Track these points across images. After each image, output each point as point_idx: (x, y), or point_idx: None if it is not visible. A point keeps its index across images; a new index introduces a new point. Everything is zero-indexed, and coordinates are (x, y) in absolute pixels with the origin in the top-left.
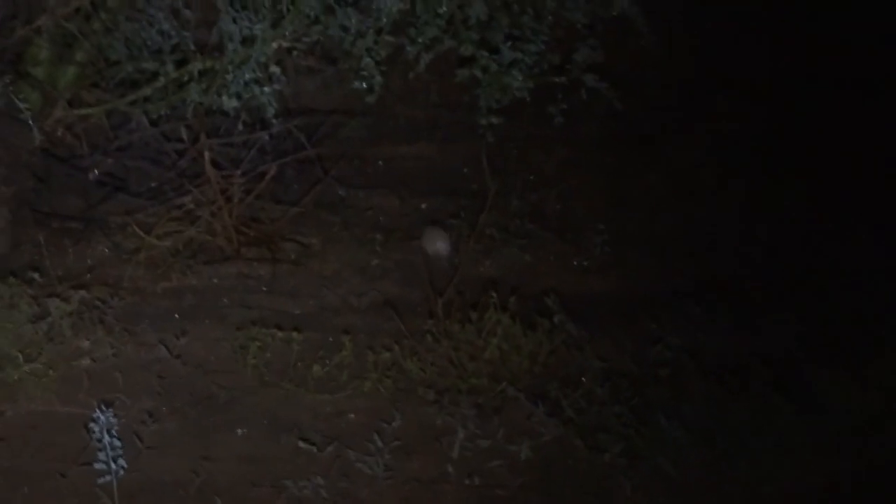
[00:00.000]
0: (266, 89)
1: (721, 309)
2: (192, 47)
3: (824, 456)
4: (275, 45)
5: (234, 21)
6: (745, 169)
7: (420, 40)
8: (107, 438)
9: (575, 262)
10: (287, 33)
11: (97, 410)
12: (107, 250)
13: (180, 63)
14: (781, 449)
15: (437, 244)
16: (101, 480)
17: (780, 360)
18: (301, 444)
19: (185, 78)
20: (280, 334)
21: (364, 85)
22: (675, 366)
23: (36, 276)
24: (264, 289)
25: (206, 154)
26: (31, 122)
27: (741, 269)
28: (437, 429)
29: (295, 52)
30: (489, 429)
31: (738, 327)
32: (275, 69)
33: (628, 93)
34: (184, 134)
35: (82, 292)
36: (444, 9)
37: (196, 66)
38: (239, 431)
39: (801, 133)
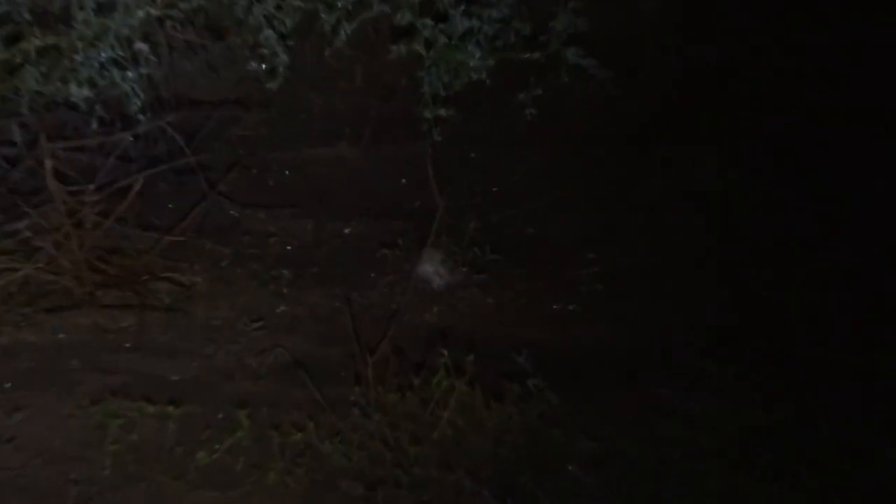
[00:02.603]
0: (129, 74)
1: (754, 369)
2: (28, 17)
3: None
4: (141, 13)
5: None
6: (769, 171)
7: (340, 4)
8: None
9: (555, 306)
10: None
11: None
12: None
13: (11, 40)
14: None
15: (434, 268)
16: None
17: (837, 437)
18: None
19: (18, 59)
20: (151, 409)
21: (263, 66)
22: (689, 446)
23: None
24: (128, 346)
25: (48, 163)
26: None
27: (780, 312)
28: None
29: (169, 23)
30: None
31: (778, 393)
32: (141, 47)
33: (624, 73)
34: (16, 135)
35: None
36: None
37: (33, 42)
38: None
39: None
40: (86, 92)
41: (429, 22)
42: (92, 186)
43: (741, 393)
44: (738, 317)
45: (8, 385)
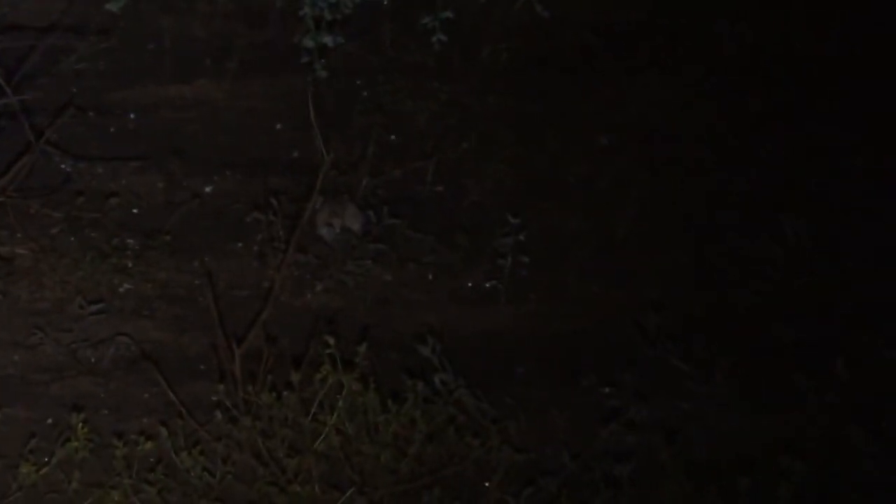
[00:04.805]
0: None
1: (724, 362)
2: None
3: None
4: None
5: None
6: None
7: None
8: None
9: (470, 284)
10: None
11: None
12: None
13: None
14: None
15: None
16: None
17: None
18: None
19: None
20: None
21: None
22: (642, 459)
23: None
24: None
25: None
26: None
27: (757, 291)
28: None
29: None
30: None
31: (754, 396)
32: None
33: None
34: None
35: None
36: None
37: None
38: None
39: None
40: None
41: None
42: None
43: (711, 394)
44: (710, 295)
45: None
